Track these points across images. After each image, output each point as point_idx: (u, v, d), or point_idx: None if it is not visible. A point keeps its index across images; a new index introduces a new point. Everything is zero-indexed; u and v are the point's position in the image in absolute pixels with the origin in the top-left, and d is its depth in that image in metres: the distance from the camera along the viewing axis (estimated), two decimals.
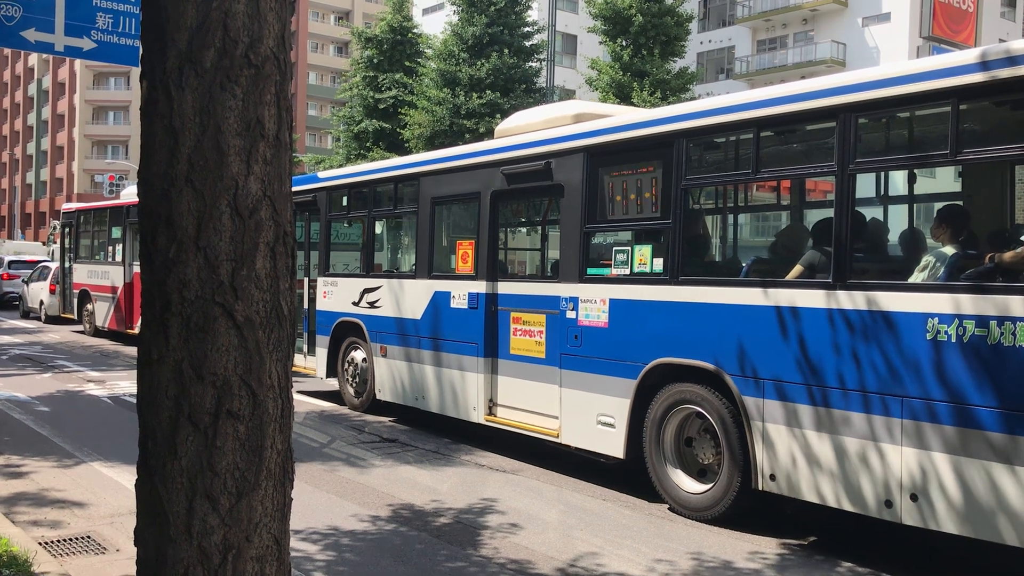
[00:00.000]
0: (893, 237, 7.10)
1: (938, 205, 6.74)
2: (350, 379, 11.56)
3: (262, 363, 2.52)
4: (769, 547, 6.26)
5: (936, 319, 5.35)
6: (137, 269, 3.27)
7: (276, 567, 2.62)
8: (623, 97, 26.83)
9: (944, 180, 7.52)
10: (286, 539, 2.68)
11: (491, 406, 9.10)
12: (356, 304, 11.21)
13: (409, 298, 10.26)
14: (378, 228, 11.82)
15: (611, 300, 7.61)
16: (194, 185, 2.42)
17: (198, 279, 2.43)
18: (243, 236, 2.46)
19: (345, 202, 11.78)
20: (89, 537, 6.05)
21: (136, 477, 2.67)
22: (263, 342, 2.52)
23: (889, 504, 5.60)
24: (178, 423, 2.47)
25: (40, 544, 5.72)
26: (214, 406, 2.47)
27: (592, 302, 7.78)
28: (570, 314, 8.01)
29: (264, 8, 2.50)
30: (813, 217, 7.81)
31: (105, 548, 5.83)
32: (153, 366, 2.51)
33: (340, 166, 29.46)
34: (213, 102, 2.43)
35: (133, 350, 17.48)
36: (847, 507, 5.87)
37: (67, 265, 22.84)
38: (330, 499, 7.24)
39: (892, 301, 5.63)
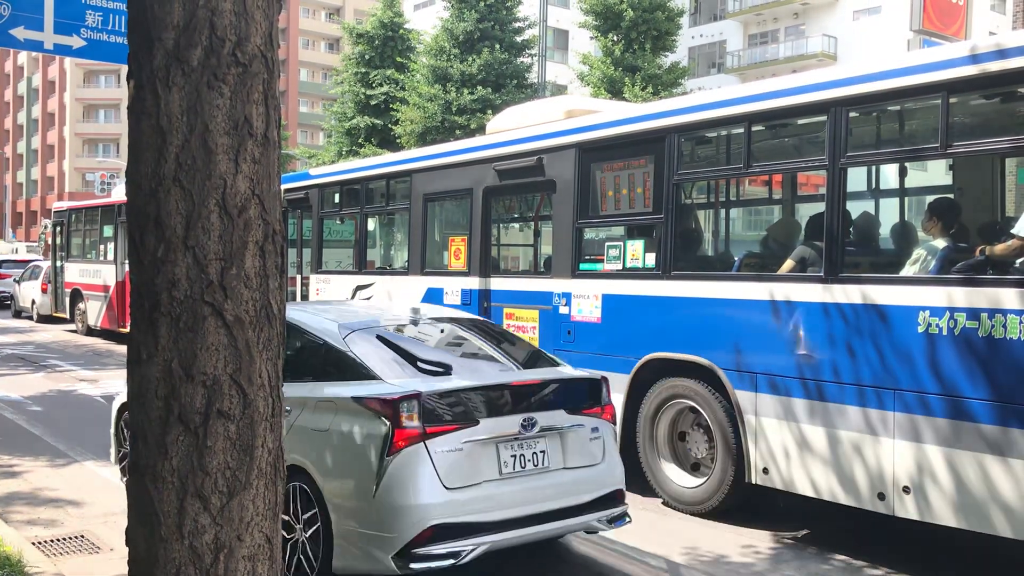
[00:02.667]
0: (884, 231, 7.11)
1: (929, 198, 6.76)
2: None
3: (252, 362, 2.51)
4: (763, 540, 6.28)
5: (928, 312, 5.37)
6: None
7: (268, 566, 2.62)
8: (615, 92, 26.81)
9: (935, 173, 7.54)
10: (278, 538, 2.68)
11: None
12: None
13: (402, 295, 10.24)
14: (371, 225, 11.80)
15: (603, 295, 7.61)
16: (182, 184, 2.42)
17: (187, 278, 2.43)
18: (232, 235, 2.46)
19: (337, 199, 11.76)
20: (83, 536, 6.03)
21: (127, 477, 2.67)
22: (253, 341, 2.51)
23: (882, 496, 5.62)
24: (168, 423, 2.47)
25: (33, 544, 5.70)
26: (204, 405, 2.46)
27: (585, 297, 7.78)
28: (563, 310, 8.01)
29: (251, 6, 2.49)
30: (805, 211, 7.82)
31: (99, 548, 5.82)
32: (143, 366, 2.50)
33: (332, 162, 29.42)
34: (200, 101, 2.42)
35: (126, 349, 17.46)
36: (840, 500, 5.89)
37: (59, 264, 22.76)
38: None
39: (884, 294, 5.65)
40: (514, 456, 4.95)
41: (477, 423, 4.87)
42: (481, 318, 6.97)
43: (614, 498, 5.40)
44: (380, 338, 5.52)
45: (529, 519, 4.94)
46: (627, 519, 5.50)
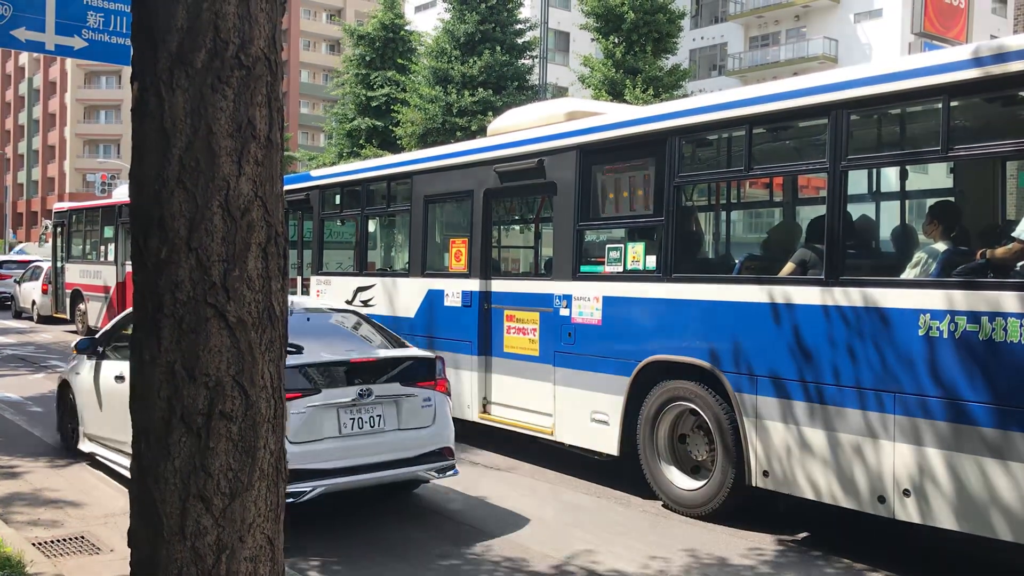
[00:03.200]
0: (885, 233, 7.12)
1: (930, 201, 6.76)
2: None
3: (255, 364, 2.52)
4: (764, 543, 6.28)
5: (928, 315, 5.37)
6: (130, 268, 3.41)
7: (270, 567, 2.62)
8: (616, 94, 26.81)
9: (936, 176, 7.54)
10: (279, 539, 2.68)
11: (485, 404, 9.10)
12: (349, 303, 11.20)
13: (403, 296, 10.25)
14: (371, 226, 11.81)
15: (604, 297, 7.62)
16: (186, 186, 2.42)
17: (190, 280, 2.43)
18: (235, 237, 2.46)
19: (338, 200, 11.76)
20: (83, 537, 6.04)
21: (129, 478, 2.67)
22: (255, 343, 2.52)
23: (882, 499, 5.62)
24: (171, 424, 2.47)
25: (34, 545, 5.71)
26: (207, 407, 2.47)
27: (585, 299, 7.79)
28: (564, 312, 8.01)
29: (255, 9, 2.50)
30: (805, 214, 7.83)
31: (99, 548, 5.82)
32: (145, 367, 2.51)
33: (333, 164, 29.42)
34: (204, 103, 2.43)
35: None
36: (841, 503, 5.89)
37: (59, 265, 22.77)
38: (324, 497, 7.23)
39: (884, 297, 5.65)
40: (353, 419, 6.34)
41: (319, 391, 6.22)
42: (351, 309, 8.40)
43: (442, 453, 6.76)
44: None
45: (364, 468, 6.36)
46: (454, 471, 6.84)
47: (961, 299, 5.24)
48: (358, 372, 6.44)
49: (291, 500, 5.69)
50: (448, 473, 6.80)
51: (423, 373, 6.78)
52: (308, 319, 7.42)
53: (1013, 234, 5.28)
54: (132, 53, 2.54)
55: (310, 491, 6.02)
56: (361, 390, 6.34)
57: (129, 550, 2.65)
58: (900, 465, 5.51)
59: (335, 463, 6.18)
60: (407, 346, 7.23)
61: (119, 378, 7.28)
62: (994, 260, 5.32)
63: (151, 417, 2.50)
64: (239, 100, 2.47)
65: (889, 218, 7.27)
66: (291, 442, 5.84)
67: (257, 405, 2.54)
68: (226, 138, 2.44)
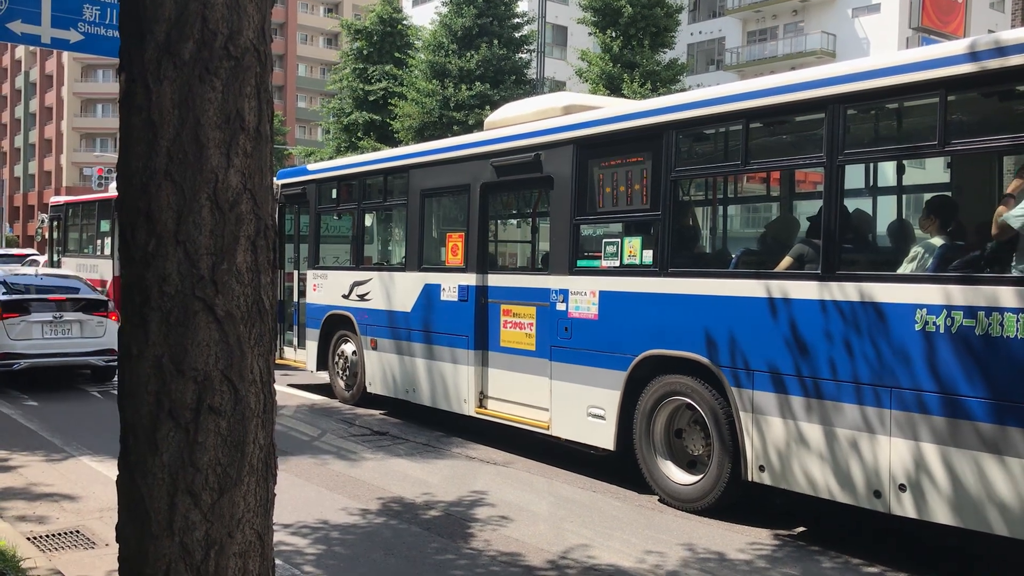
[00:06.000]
0: (882, 228, 7.10)
1: (926, 196, 6.74)
2: (340, 372, 11.53)
3: (243, 358, 2.49)
4: (761, 538, 6.27)
5: (925, 310, 5.36)
6: None
7: (259, 563, 2.60)
8: (613, 88, 26.78)
9: (933, 171, 7.52)
10: (269, 534, 2.66)
11: (482, 398, 9.08)
12: (346, 297, 11.18)
13: (399, 291, 10.23)
14: (368, 221, 11.78)
15: (601, 292, 7.60)
16: (173, 178, 2.39)
17: (178, 273, 2.41)
18: (223, 230, 2.44)
19: (335, 194, 11.74)
20: (78, 532, 6.02)
21: (118, 473, 2.65)
22: (244, 337, 2.49)
23: (878, 494, 5.61)
24: (159, 419, 2.45)
25: (28, 539, 5.69)
26: (195, 401, 2.44)
27: (582, 294, 7.77)
28: (560, 306, 7.99)
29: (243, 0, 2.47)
30: (802, 209, 7.81)
31: (94, 543, 5.80)
32: (133, 361, 2.49)
33: (330, 158, 29.38)
34: (192, 94, 2.40)
35: None
36: (837, 498, 5.88)
37: (55, 258, 22.73)
38: (320, 492, 7.22)
39: (881, 292, 5.64)
40: (52, 329, 11.95)
41: (29, 313, 11.86)
42: (80, 276, 14.88)
43: (110, 351, 12.04)
44: (10, 281, 12.56)
45: (56, 355, 11.97)
46: (114, 362, 10.39)
47: (958, 294, 5.22)
48: (55, 304, 12.08)
49: (12, 368, 11.61)
50: (111, 362, 11.96)
51: (99, 307, 12.45)
52: (47, 275, 13.76)
53: (1001, 216, 5.24)
54: (120, 44, 2.51)
55: (21, 365, 11.66)
56: (55, 314, 11.94)
57: None
58: (896, 460, 5.50)
59: (38, 351, 11.79)
60: (100, 296, 13.16)
61: None
62: (990, 253, 5.30)
63: (139, 412, 2.48)
64: (228, 91, 2.44)
65: (886, 213, 7.25)
66: (11, 339, 11.61)
67: (246, 399, 2.51)
68: (214, 130, 2.41)
